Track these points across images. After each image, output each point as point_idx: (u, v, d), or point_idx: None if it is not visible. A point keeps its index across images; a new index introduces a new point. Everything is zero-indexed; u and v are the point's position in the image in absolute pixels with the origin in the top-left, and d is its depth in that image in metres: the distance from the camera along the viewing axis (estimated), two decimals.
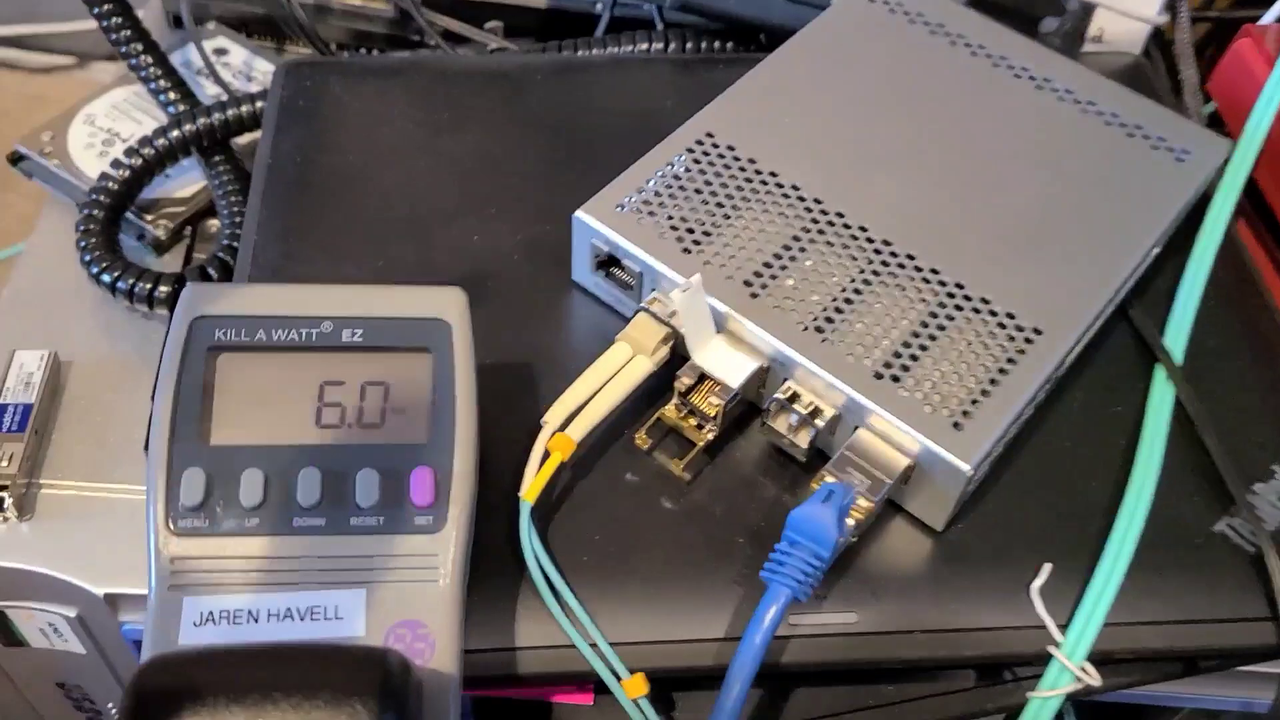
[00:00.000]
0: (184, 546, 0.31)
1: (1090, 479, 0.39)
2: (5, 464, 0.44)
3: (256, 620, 0.30)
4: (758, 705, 0.37)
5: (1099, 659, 0.36)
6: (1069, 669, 0.35)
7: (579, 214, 0.40)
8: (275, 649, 0.29)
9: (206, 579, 0.31)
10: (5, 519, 0.44)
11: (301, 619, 0.30)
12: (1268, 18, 0.52)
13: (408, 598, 0.31)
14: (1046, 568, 0.36)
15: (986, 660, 0.36)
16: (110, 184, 0.50)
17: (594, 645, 0.35)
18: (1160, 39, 0.58)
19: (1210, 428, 0.40)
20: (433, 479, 0.32)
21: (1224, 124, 0.51)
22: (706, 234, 0.39)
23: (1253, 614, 0.37)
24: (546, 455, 0.36)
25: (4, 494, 0.44)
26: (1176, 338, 0.42)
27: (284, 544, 0.31)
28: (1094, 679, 0.35)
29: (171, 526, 0.31)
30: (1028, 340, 0.38)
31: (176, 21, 0.61)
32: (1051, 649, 0.35)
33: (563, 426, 0.36)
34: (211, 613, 0.30)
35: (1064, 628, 0.36)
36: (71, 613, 0.46)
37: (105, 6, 0.51)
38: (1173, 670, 0.38)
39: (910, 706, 0.38)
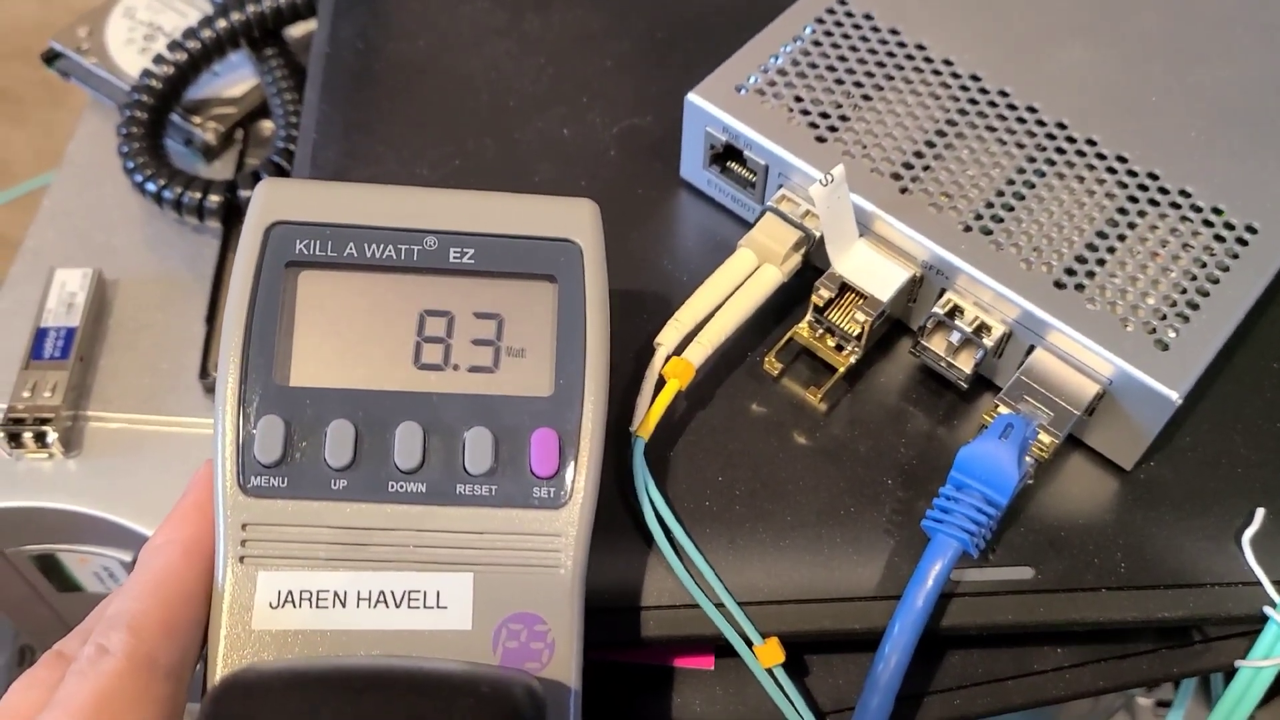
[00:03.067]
0: (258, 511, 0.25)
1: None
2: (49, 394, 0.40)
3: (344, 604, 0.25)
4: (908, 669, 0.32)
5: None
6: None
7: (692, 96, 0.34)
8: (378, 676, 0.23)
9: (285, 550, 0.25)
10: (51, 455, 0.40)
11: (397, 605, 0.25)
12: None
13: (523, 586, 0.26)
14: (1259, 513, 0.30)
15: (1187, 623, 0.30)
16: (153, 82, 0.45)
17: (720, 606, 0.29)
18: None
19: None
20: (557, 443, 0.26)
21: None
22: (844, 119, 0.33)
23: None
24: (661, 383, 0.30)
25: (48, 428, 0.39)
26: None
27: (378, 513, 0.25)
28: None
29: (243, 485, 0.25)
30: (1240, 241, 0.31)
31: None
32: (1269, 610, 0.30)
33: (679, 350, 0.31)
34: (291, 592, 0.25)
35: None
36: (127, 557, 0.42)
37: None
38: None
39: (1083, 671, 0.32)
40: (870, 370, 0.33)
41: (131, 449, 0.41)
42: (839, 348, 0.32)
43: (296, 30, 0.48)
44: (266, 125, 0.47)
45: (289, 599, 0.25)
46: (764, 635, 0.29)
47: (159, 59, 0.45)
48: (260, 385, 0.25)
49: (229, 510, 0.25)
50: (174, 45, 0.45)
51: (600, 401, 0.27)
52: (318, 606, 0.25)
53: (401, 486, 0.25)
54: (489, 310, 0.27)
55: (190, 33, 0.45)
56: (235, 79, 0.48)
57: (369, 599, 0.25)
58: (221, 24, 0.45)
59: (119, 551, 0.41)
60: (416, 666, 0.24)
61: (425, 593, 0.25)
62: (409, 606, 0.25)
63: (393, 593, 0.25)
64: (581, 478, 0.26)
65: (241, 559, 0.25)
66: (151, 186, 0.43)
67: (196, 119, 0.46)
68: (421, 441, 0.26)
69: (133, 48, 0.48)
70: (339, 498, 0.25)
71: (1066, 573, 0.30)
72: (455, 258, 0.27)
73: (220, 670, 0.24)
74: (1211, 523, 0.31)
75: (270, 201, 0.27)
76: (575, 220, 0.28)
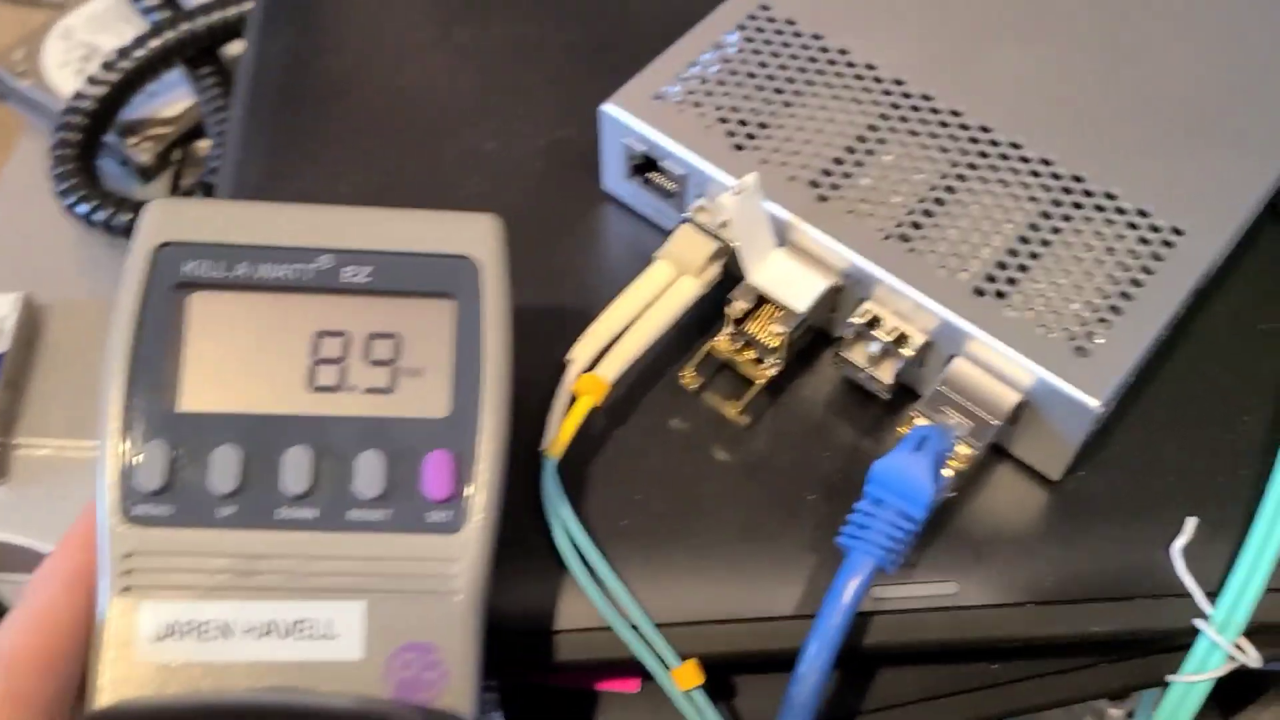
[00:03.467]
0: (141, 540, 0.24)
1: (1242, 412, 0.32)
2: None
3: (230, 635, 0.24)
4: (836, 690, 0.31)
5: (1255, 630, 0.29)
6: (1221, 646, 0.29)
7: (606, 107, 0.33)
8: (257, 713, 0.22)
9: (169, 580, 0.24)
10: None
11: (285, 635, 0.24)
12: None
13: (417, 614, 0.25)
14: (1190, 523, 0.30)
15: (1117, 638, 0.30)
16: (85, 103, 0.44)
17: (635, 628, 0.28)
18: None
19: None
20: (452, 466, 0.25)
21: None
22: (763, 126, 0.33)
23: None
24: (574, 400, 0.30)
25: None
26: None
27: (265, 540, 0.25)
28: (1251, 657, 0.29)
29: (126, 514, 0.24)
30: (1166, 243, 0.30)
31: None
32: (1199, 623, 0.29)
33: (593, 365, 0.30)
34: (175, 623, 0.24)
35: (1214, 596, 0.29)
36: None
37: None
38: None
39: (1017, 689, 0.32)
40: (793, 383, 0.32)
41: (62, 476, 0.40)
42: (759, 360, 0.31)
43: (234, 49, 0.47)
44: (203, 145, 0.47)
45: (172, 630, 0.24)
46: (683, 657, 0.29)
47: (91, 79, 0.44)
48: (144, 411, 0.25)
49: (111, 540, 0.24)
50: (106, 65, 0.44)
51: (499, 422, 0.26)
52: (202, 638, 0.24)
53: (290, 513, 0.25)
54: (386, 330, 0.26)
55: (123, 52, 0.45)
56: (172, 99, 0.47)
57: (256, 630, 0.24)
58: (155, 43, 0.45)
59: None
60: (299, 702, 0.23)
61: (315, 622, 0.24)
62: (298, 637, 0.24)
63: (281, 622, 0.24)
64: (479, 501, 0.25)
65: (124, 590, 0.24)
66: (82, 208, 0.42)
67: (132, 140, 0.46)
68: (311, 466, 0.25)
69: (69, 69, 0.47)
70: (225, 525, 0.24)
71: (992, 588, 0.29)
72: (350, 276, 0.26)
73: (98, 706, 0.24)
74: (1142, 533, 0.30)
75: (158, 222, 0.26)
76: (474, 236, 0.27)
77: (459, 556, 0.25)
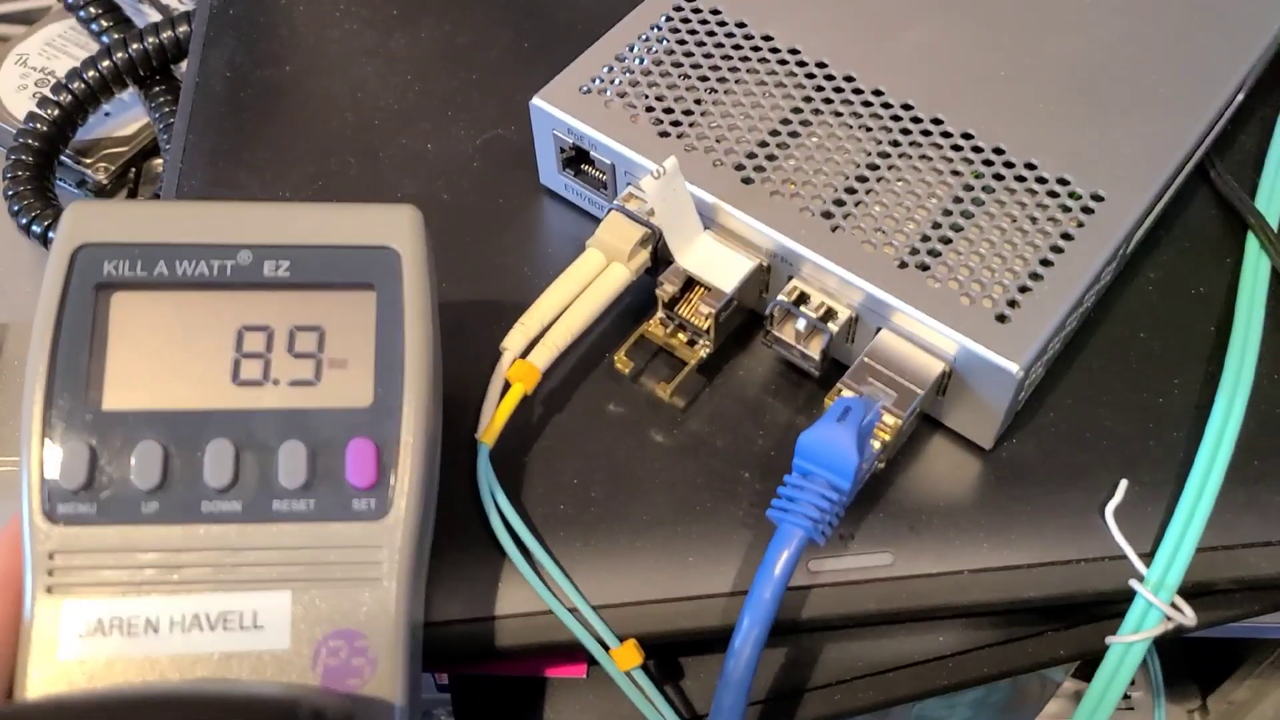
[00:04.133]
0: (64, 538, 0.25)
1: (1173, 375, 0.32)
2: None
3: (157, 630, 0.24)
4: (783, 666, 0.31)
5: (1194, 592, 0.29)
6: (1157, 606, 0.29)
7: (535, 101, 0.33)
8: (140, 701, 0.23)
9: (93, 578, 0.25)
10: None
11: (212, 628, 0.25)
12: None
13: (343, 602, 0.25)
14: (1123, 485, 0.30)
15: (1053, 601, 0.30)
16: (39, 125, 0.45)
17: (574, 610, 0.29)
18: None
19: None
20: (374, 453, 0.26)
21: None
22: (688, 113, 0.33)
23: None
24: (508, 387, 0.30)
25: None
26: (1271, 198, 0.35)
27: (189, 535, 0.25)
28: (1188, 617, 0.29)
29: (48, 513, 0.25)
30: (1085, 210, 0.31)
31: None
32: (1134, 583, 0.29)
33: (526, 353, 0.31)
34: (101, 620, 0.24)
35: (1148, 557, 0.29)
36: None
37: None
38: None
39: (966, 659, 0.32)
40: (729, 364, 0.33)
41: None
42: (691, 342, 0.32)
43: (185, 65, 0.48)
44: (158, 162, 0.47)
45: (99, 628, 0.24)
46: (623, 638, 0.29)
47: (44, 101, 0.45)
48: (66, 411, 0.25)
49: (34, 540, 0.24)
50: (58, 87, 0.45)
51: (422, 408, 0.26)
52: (129, 634, 0.24)
53: (215, 506, 0.25)
54: (309, 323, 0.27)
55: (74, 74, 0.45)
56: (128, 118, 0.48)
57: (183, 622, 0.24)
58: (106, 64, 0.45)
59: None
60: (220, 690, 0.23)
61: (241, 613, 0.25)
62: (224, 629, 0.25)
63: (207, 615, 0.25)
64: (403, 487, 0.26)
65: (49, 589, 0.24)
66: (36, 228, 0.43)
67: (87, 160, 0.46)
68: (233, 459, 0.25)
69: (25, 94, 0.48)
70: (149, 521, 0.25)
71: (927, 557, 0.30)
72: (271, 271, 0.27)
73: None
74: (1076, 498, 0.30)
75: (77, 224, 0.26)
76: (393, 227, 0.27)
77: (384, 543, 0.25)
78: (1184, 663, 0.60)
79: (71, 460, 0.25)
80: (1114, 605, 0.30)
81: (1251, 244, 0.34)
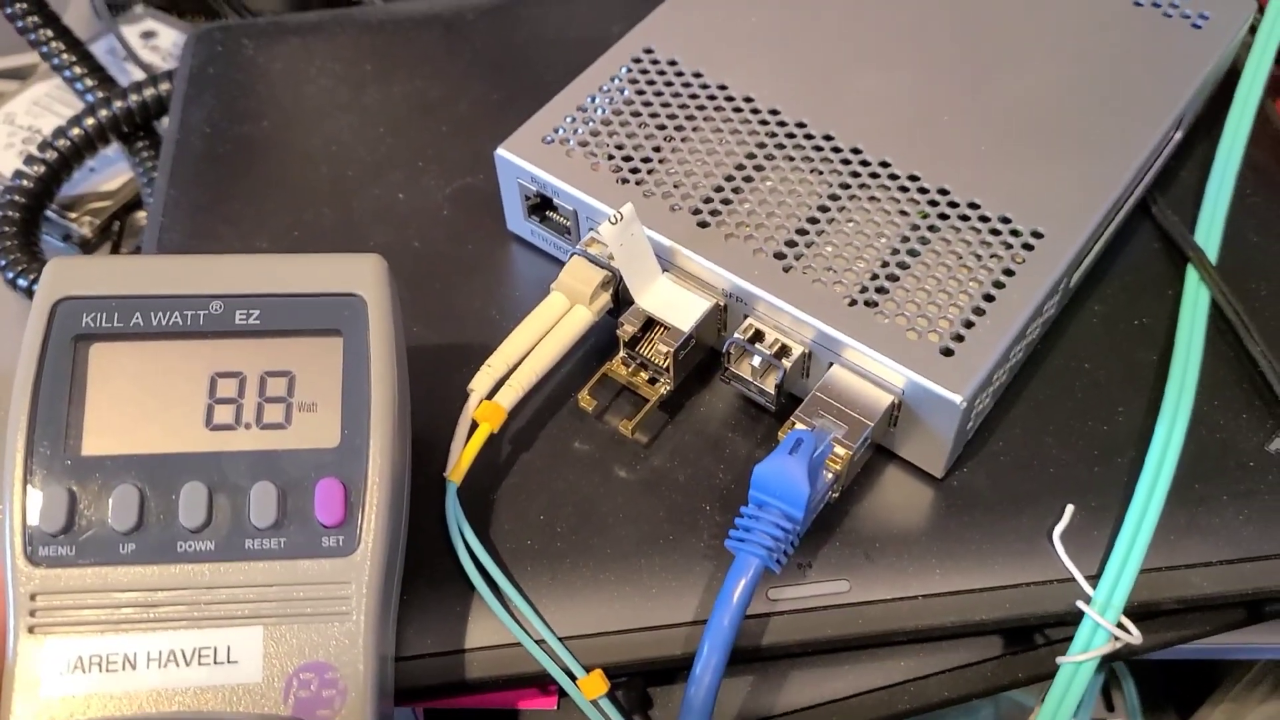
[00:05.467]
0: (45, 580, 0.26)
1: (1117, 404, 0.33)
2: None
3: (134, 666, 0.25)
4: (748, 694, 0.32)
5: (1140, 612, 0.30)
6: (1103, 627, 0.30)
7: (500, 151, 0.35)
8: None
9: (74, 617, 0.26)
10: None
11: (187, 663, 0.26)
12: None
13: (313, 635, 0.26)
14: (1069, 510, 0.31)
15: (1004, 624, 0.31)
16: (25, 182, 0.46)
17: (541, 642, 0.30)
18: None
19: (1255, 330, 0.34)
20: (342, 492, 0.27)
21: None
22: (647, 160, 0.34)
23: None
24: (476, 427, 0.31)
25: None
26: (1210, 231, 0.36)
27: (165, 574, 0.26)
28: (1134, 636, 0.30)
29: (30, 556, 0.26)
30: (1026, 246, 0.32)
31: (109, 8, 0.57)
32: (1081, 604, 0.30)
33: (493, 393, 0.32)
34: (81, 658, 0.25)
35: (1094, 579, 0.30)
36: None
37: None
38: (1233, 618, 0.33)
39: (927, 683, 0.33)
40: (690, 400, 0.34)
41: None
42: (653, 381, 0.33)
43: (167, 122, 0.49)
44: (141, 216, 0.49)
45: (79, 665, 0.25)
46: (589, 668, 0.30)
47: (30, 159, 0.46)
48: (46, 457, 0.26)
49: (17, 582, 0.26)
50: (44, 145, 0.46)
51: (388, 448, 0.27)
52: (107, 670, 0.25)
53: (190, 546, 0.26)
54: (279, 368, 0.28)
55: (59, 132, 0.46)
56: (112, 173, 0.49)
57: (159, 659, 0.25)
58: (90, 121, 0.47)
59: None
60: (206, 715, 0.24)
61: (215, 649, 0.26)
62: (199, 664, 0.26)
63: (182, 651, 0.26)
64: (370, 524, 0.27)
65: (31, 629, 0.25)
66: (22, 282, 0.44)
67: (72, 214, 0.48)
68: (207, 500, 0.26)
69: (12, 151, 0.49)
70: (126, 561, 0.26)
71: (882, 583, 0.31)
72: (241, 319, 0.28)
73: None
74: (1024, 523, 0.31)
75: (56, 279, 0.28)
76: (359, 275, 0.29)
77: (352, 578, 0.26)
78: (1162, 688, 0.61)
79: (51, 505, 0.26)
80: (1068, 628, 0.31)
81: (1191, 276, 0.35)
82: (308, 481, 0.27)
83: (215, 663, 0.26)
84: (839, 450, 0.30)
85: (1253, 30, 0.40)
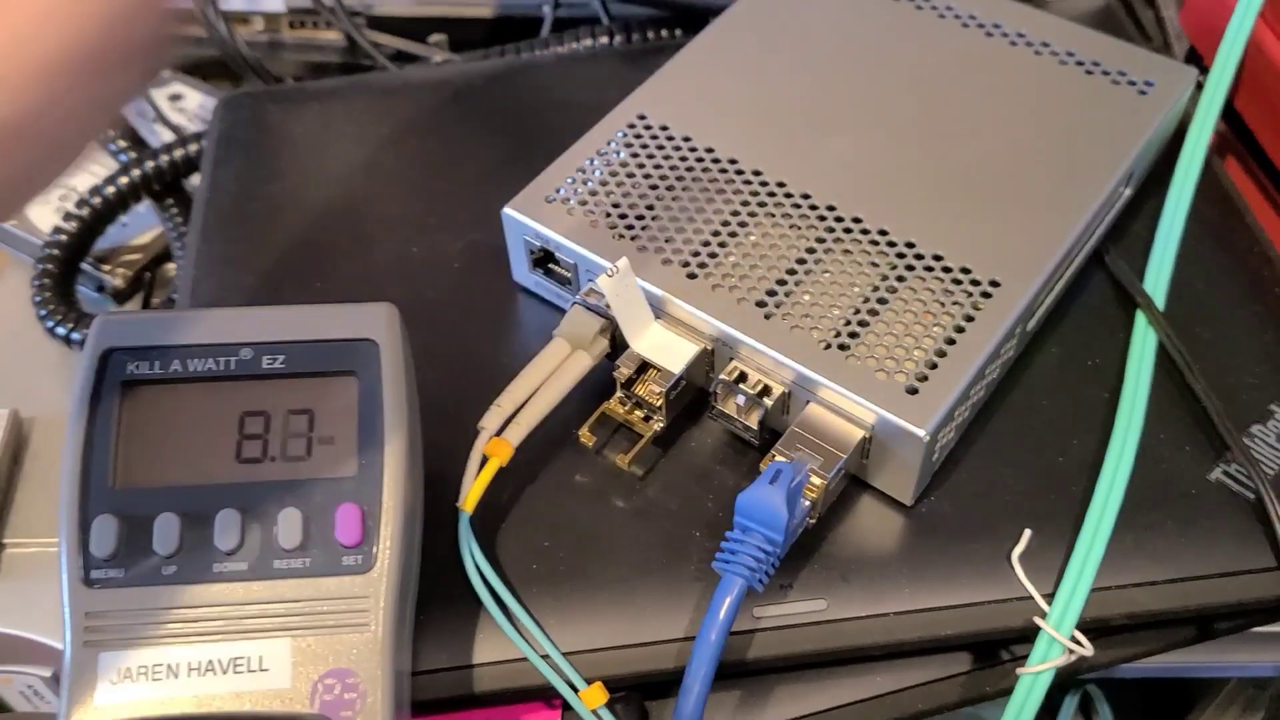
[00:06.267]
0: (99, 600, 0.29)
1: (1071, 437, 0.36)
2: None
3: (176, 675, 0.28)
4: (737, 707, 0.35)
5: (1092, 628, 0.33)
6: (1058, 640, 0.33)
7: (507, 210, 0.38)
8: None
9: (124, 632, 0.29)
10: None
11: (224, 671, 0.29)
12: None
13: (336, 644, 0.29)
14: (1026, 534, 0.34)
15: (969, 639, 0.34)
16: (62, 237, 0.49)
17: (546, 657, 0.33)
18: None
19: (1197, 370, 0.37)
20: (359, 515, 0.30)
21: (1201, 59, 0.49)
22: (640, 218, 0.38)
23: (1258, 565, 0.34)
24: (486, 461, 0.34)
25: None
26: (1158, 280, 0.40)
27: (203, 592, 0.29)
28: (1086, 649, 0.33)
29: (84, 579, 0.29)
30: (985, 294, 0.35)
31: None
32: (1038, 620, 0.33)
33: (501, 430, 0.35)
34: (129, 668, 0.28)
35: (1050, 597, 0.33)
36: (48, 672, 0.45)
37: None
38: (1184, 636, 0.35)
39: (902, 696, 0.35)
40: (681, 436, 0.37)
41: (48, 571, 0.44)
42: (647, 418, 0.36)
43: (196, 180, 0.53)
44: (171, 268, 0.52)
45: (127, 674, 0.28)
46: (590, 681, 0.33)
47: (68, 216, 0.50)
48: (96, 490, 0.29)
49: (74, 602, 0.29)
50: (80, 202, 0.50)
51: (400, 475, 0.30)
52: (153, 679, 0.28)
53: (225, 566, 0.29)
54: (301, 407, 0.31)
55: (95, 190, 0.50)
56: (142, 227, 0.53)
57: (199, 668, 0.28)
58: (123, 180, 0.50)
59: (40, 668, 0.45)
60: (242, 714, 0.27)
61: (249, 658, 0.29)
62: (234, 672, 0.29)
63: (219, 661, 0.29)
64: (385, 544, 0.30)
65: (85, 643, 0.28)
66: (61, 330, 0.47)
67: (106, 266, 0.51)
68: (239, 525, 0.29)
69: (49, 208, 0.53)
70: (169, 582, 0.29)
71: (856, 602, 0.34)
72: (268, 364, 0.31)
73: None
74: (986, 547, 0.34)
75: (105, 331, 0.31)
76: (372, 321, 0.32)
77: (371, 593, 0.29)
78: (1138, 711, 0.63)
79: (102, 533, 0.29)
80: (1029, 644, 0.34)
81: (1140, 320, 0.38)
82: (329, 507, 0.30)
83: (249, 671, 0.29)
84: (815, 480, 0.33)
85: (1200, 88, 0.43)
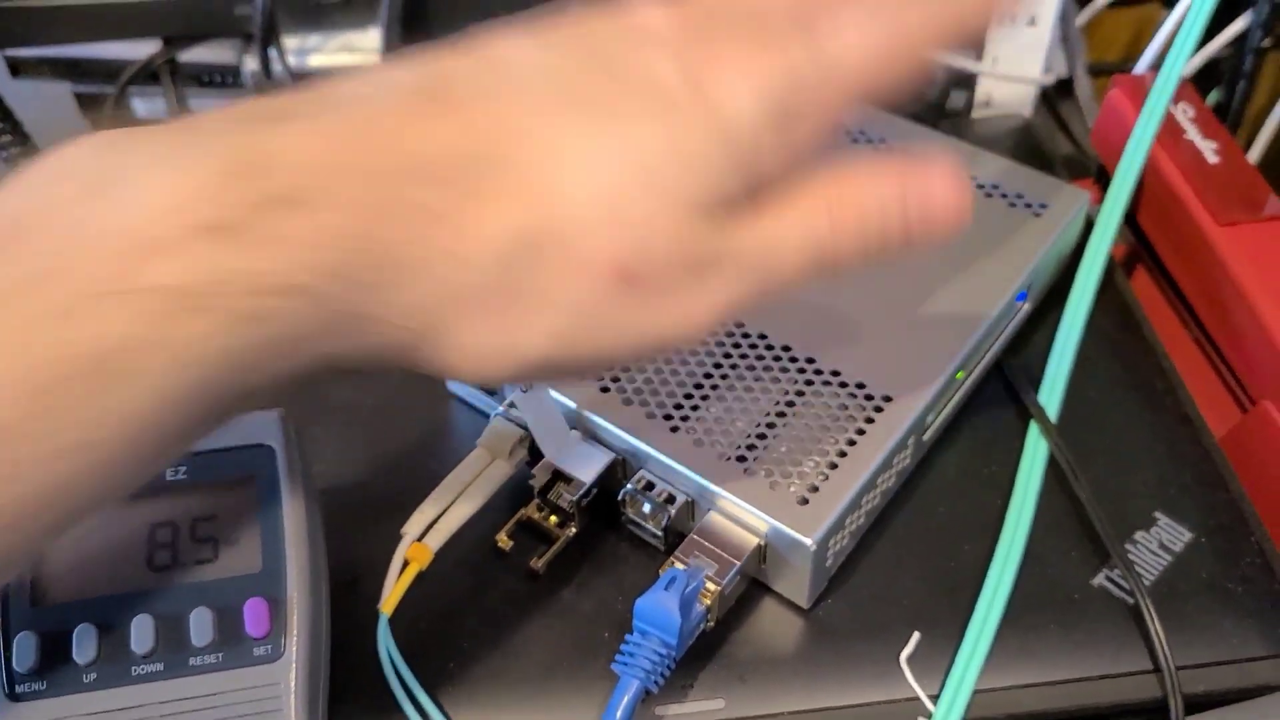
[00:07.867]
0: (24, 714, 0.31)
1: (964, 543, 0.38)
2: None
3: None
4: None
5: None
6: None
7: None
8: None
9: None
10: None
11: None
12: (1140, 67, 0.53)
13: None
14: (915, 636, 0.36)
15: None
16: None
17: None
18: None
19: (1084, 479, 0.39)
20: (267, 608, 0.32)
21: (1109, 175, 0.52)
22: None
23: (1134, 668, 0.36)
24: (407, 565, 0.36)
25: None
26: (1053, 390, 0.42)
27: (124, 695, 0.31)
28: None
29: (9, 694, 0.31)
30: (877, 409, 0.38)
31: None
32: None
33: (423, 536, 0.37)
34: None
35: (935, 698, 0.35)
36: None
37: None
38: None
39: None
40: (595, 539, 0.39)
41: None
42: (562, 524, 0.38)
43: None
44: None
45: None
46: None
47: None
48: (15, 609, 0.32)
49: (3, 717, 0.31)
50: None
51: (303, 568, 0.33)
52: None
53: (142, 668, 0.31)
54: (205, 513, 0.34)
55: None
56: None
57: None
58: None
59: None
60: None
61: None
62: None
63: None
64: (293, 633, 0.32)
65: None
66: None
67: None
68: (153, 629, 0.32)
69: None
70: (90, 689, 0.31)
71: (753, 702, 0.35)
72: (171, 476, 0.34)
73: None
74: (879, 649, 0.36)
75: None
76: (265, 428, 0.34)
77: (281, 680, 0.32)
78: None
79: (23, 649, 0.31)
80: None
81: (1033, 430, 0.41)
82: (238, 602, 0.32)
83: None
84: (710, 585, 0.35)
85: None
